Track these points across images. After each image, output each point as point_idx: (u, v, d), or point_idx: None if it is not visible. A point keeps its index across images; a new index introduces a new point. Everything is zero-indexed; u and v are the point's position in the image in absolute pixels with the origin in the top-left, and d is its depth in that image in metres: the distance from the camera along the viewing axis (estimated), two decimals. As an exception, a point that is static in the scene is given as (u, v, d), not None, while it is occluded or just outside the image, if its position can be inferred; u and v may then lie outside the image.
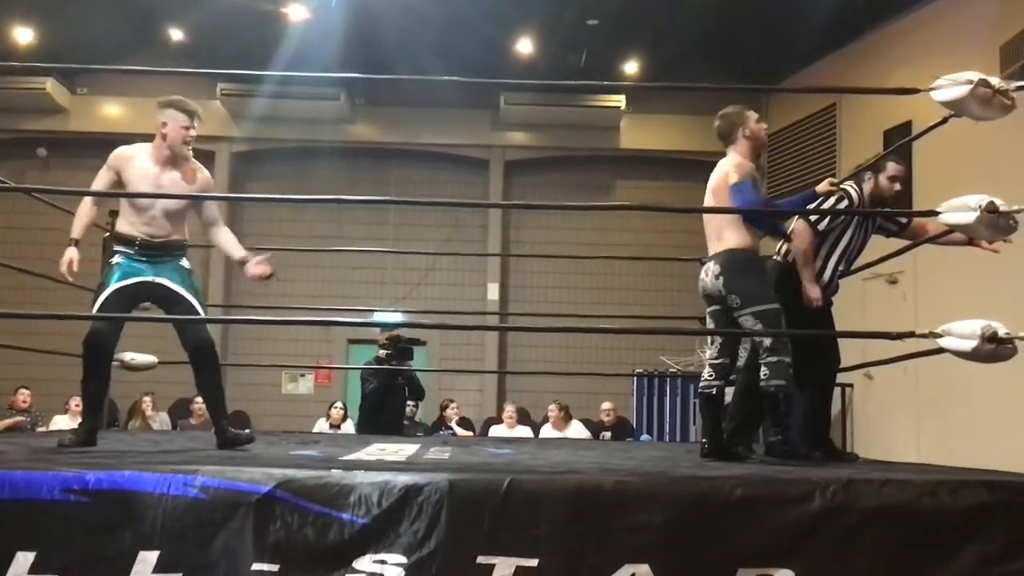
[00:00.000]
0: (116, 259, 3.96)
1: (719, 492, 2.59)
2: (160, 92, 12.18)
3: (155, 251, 3.98)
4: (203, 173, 4.17)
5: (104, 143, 12.38)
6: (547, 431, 9.21)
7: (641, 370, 10.53)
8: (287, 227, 11.20)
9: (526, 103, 11.34)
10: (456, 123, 11.72)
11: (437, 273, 11.80)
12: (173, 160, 3.99)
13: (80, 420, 4.08)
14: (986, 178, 6.14)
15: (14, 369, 9.88)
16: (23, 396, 9.27)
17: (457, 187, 11.95)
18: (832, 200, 4.36)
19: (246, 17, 9.91)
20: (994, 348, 3.05)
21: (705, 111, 11.82)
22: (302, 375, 11.76)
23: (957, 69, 3.33)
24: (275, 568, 2.46)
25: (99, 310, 3.88)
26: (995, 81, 3.26)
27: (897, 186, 4.41)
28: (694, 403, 10.06)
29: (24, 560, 2.43)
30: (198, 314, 4.04)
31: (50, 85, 11.06)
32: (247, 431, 3.92)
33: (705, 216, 4.28)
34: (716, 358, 4.21)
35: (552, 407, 9.22)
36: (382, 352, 7.23)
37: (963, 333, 3.11)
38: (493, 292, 11.61)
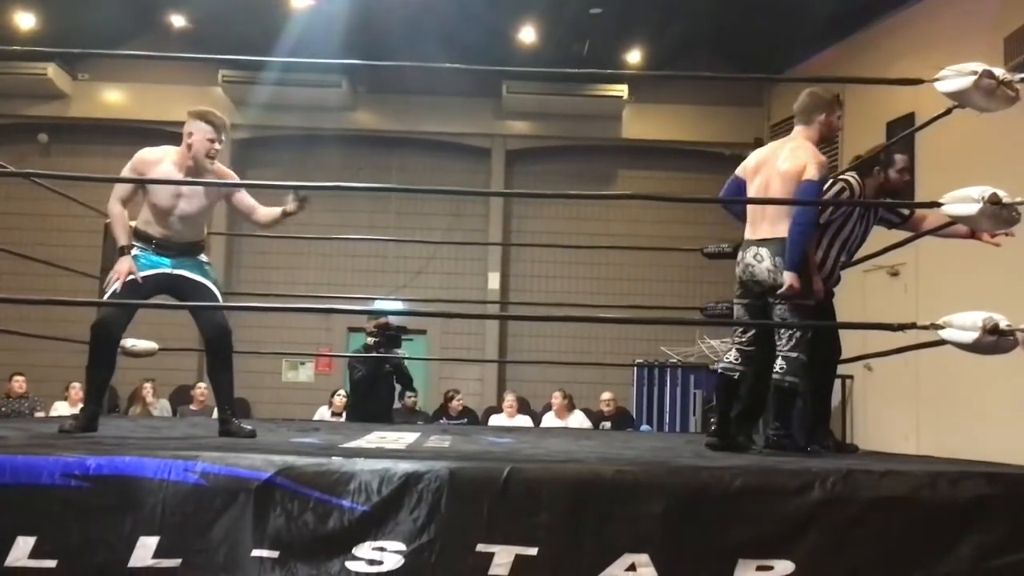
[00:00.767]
0: (134, 252, 3.95)
1: (719, 482, 2.59)
2: (162, 78, 12.16)
3: (173, 249, 3.99)
4: (227, 176, 4.19)
5: (105, 129, 12.43)
6: (549, 419, 9.22)
7: (641, 360, 10.53)
8: (288, 214, 11.20)
9: (528, 92, 11.31)
10: (458, 111, 11.69)
11: (438, 262, 11.80)
12: (196, 170, 3.97)
13: (82, 405, 4.09)
14: (989, 170, 6.13)
15: (13, 355, 9.90)
16: (19, 382, 9.28)
17: (459, 176, 11.93)
18: (835, 190, 4.35)
19: (248, 3, 9.89)
20: (995, 340, 3.04)
21: (707, 101, 11.88)
22: (302, 363, 11.77)
23: (961, 60, 3.32)
24: (275, 554, 2.46)
25: (111, 299, 3.88)
26: (999, 72, 3.25)
27: (907, 177, 4.41)
28: (694, 394, 10.08)
29: (24, 544, 2.43)
30: (217, 301, 4.06)
31: (51, 70, 11.03)
32: (250, 427, 3.92)
33: (762, 196, 4.10)
34: (749, 345, 4.13)
35: (556, 395, 9.23)
36: (370, 340, 7.21)
37: (964, 325, 3.10)
38: (494, 281, 11.61)
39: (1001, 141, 7.02)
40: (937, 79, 3.34)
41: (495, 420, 9.52)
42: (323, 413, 9.48)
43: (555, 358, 11.24)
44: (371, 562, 2.46)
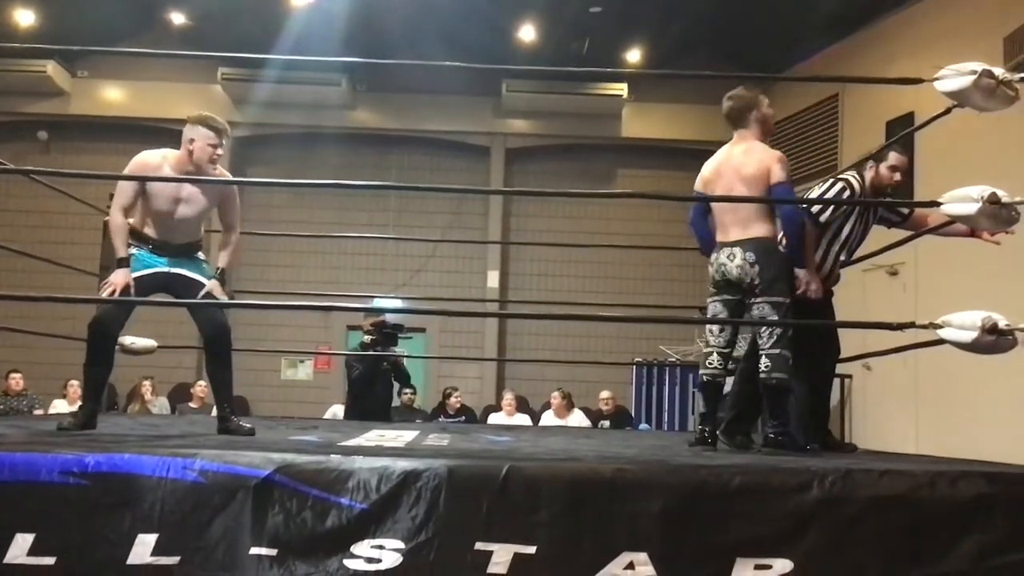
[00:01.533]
0: (131, 251, 3.95)
1: (717, 481, 2.59)
2: (162, 76, 12.14)
3: (170, 250, 3.99)
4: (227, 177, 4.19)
5: (105, 126, 12.42)
6: (548, 418, 9.22)
7: (640, 359, 10.54)
8: (288, 212, 11.20)
9: (528, 90, 11.31)
10: (458, 110, 11.69)
11: (437, 260, 11.80)
12: (197, 176, 3.95)
13: (80, 403, 4.08)
14: (988, 169, 6.13)
15: (12, 352, 9.91)
16: (15, 379, 9.28)
17: (458, 174, 11.94)
18: (836, 189, 4.35)
19: (249, 1, 9.89)
20: (994, 340, 3.05)
21: (707, 100, 11.81)
22: (301, 361, 11.77)
23: (960, 60, 3.31)
24: (273, 552, 2.46)
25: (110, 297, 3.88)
26: (998, 72, 3.24)
27: (897, 176, 4.38)
28: (693, 392, 10.06)
29: (23, 542, 2.43)
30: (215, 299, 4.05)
31: (51, 68, 11.02)
32: (248, 425, 3.92)
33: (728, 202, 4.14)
34: (726, 346, 4.15)
35: (555, 394, 9.24)
36: (367, 338, 7.20)
37: (963, 324, 3.10)
38: (493, 280, 11.61)
39: (1001, 140, 7.02)
40: (936, 79, 3.33)
41: (494, 419, 9.52)
42: (335, 411, 9.40)
43: (554, 357, 11.24)
44: (370, 560, 2.46)
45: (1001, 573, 2.55)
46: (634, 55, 11.24)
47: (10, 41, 10.08)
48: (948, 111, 3.68)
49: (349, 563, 2.45)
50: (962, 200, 3.21)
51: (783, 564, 2.51)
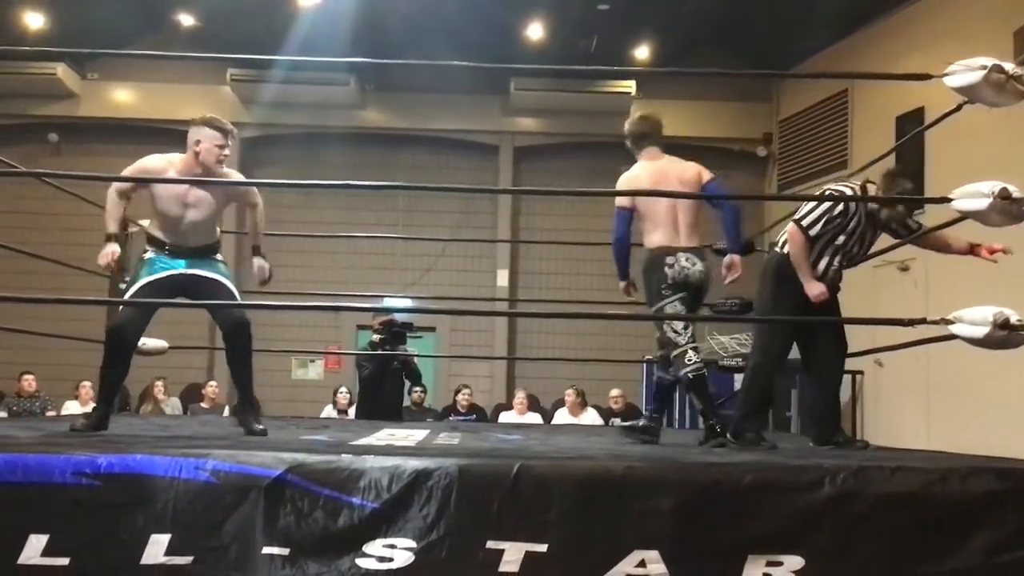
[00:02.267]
0: (148, 255, 3.97)
1: (728, 478, 2.59)
2: (171, 77, 12.17)
3: (185, 253, 4.01)
4: (235, 178, 4.21)
5: (115, 128, 12.44)
6: (562, 416, 9.23)
7: (650, 357, 10.49)
8: (297, 213, 11.20)
9: (536, 89, 11.28)
10: (466, 109, 11.68)
11: (447, 259, 11.79)
12: (205, 177, 3.96)
13: (94, 405, 4.10)
14: (999, 164, 6.10)
15: (23, 354, 9.94)
16: (28, 381, 9.32)
17: (467, 173, 11.93)
18: (825, 206, 4.24)
19: (256, 2, 9.90)
20: (1006, 335, 3.03)
21: (716, 97, 11.86)
22: (311, 360, 11.79)
23: (970, 55, 3.29)
24: (285, 552, 2.47)
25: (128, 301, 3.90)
26: (1009, 67, 3.22)
27: (898, 209, 4.30)
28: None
29: (37, 542, 2.45)
30: (235, 297, 4.08)
31: (60, 70, 11.05)
32: (260, 427, 3.93)
33: (682, 210, 4.33)
34: (695, 341, 4.34)
35: (569, 392, 9.25)
36: (376, 337, 7.20)
37: (975, 320, 3.09)
38: (503, 278, 11.59)
39: (1012, 135, 6.98)
40: (946, 74, 3.31)
41: (504, 417, 9.52)
42: (329, 411, 9.49)
43: (564, 355, 11.23)
44: (381, 559, 2.46)
45: (1012, 569, 2.55)
46: (642, 52, 11.21)
47: (20, 44, 10.11)
48: (959, 108, 3.67)
49: (361, 562, 2.46)
50: (973, 196, 3.20)
51: (795, 561, 2.51)
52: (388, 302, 9.98)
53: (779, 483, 2.59)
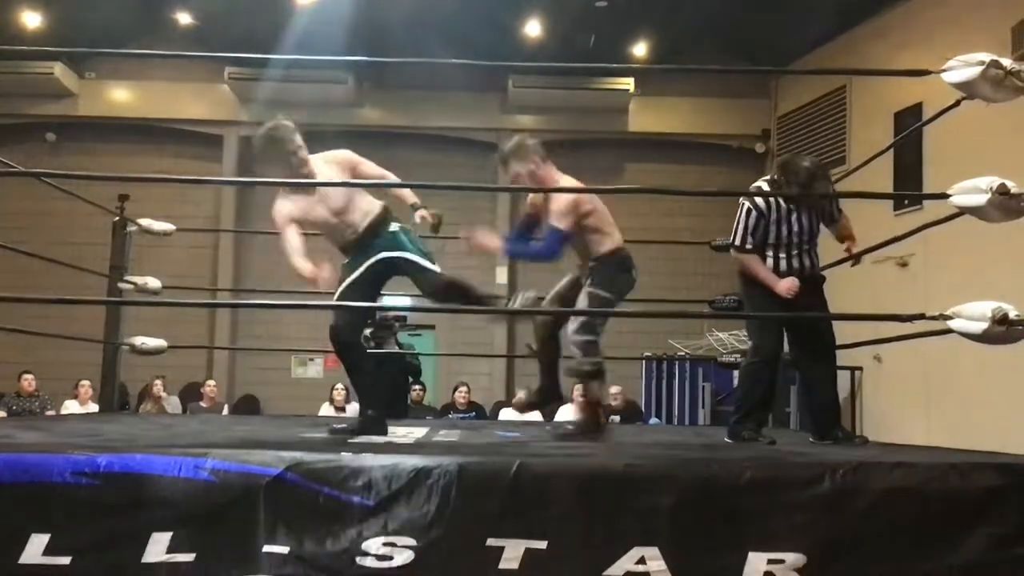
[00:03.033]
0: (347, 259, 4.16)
1: (729, 475, 2.59)
2: (169, 76, 12.14)
3: (364, 244, 4.21)
4: (333, 155, 4.40)
5: (113, 127, 12.41)
6: (566, 413, 9.22)
7: (650, 354, 10.51)
8: (296, 211, 11.20)
9: (534, 86, 11.29)
10: (464, 106, 11.67)
11: (446, 257, 11.70)
12: (306, 176, 4.04)
13: (360, 410, 4.17)
14: (998, 160, 6.10)
15: (22, 353, 9.94)
16: (28, 380, 9.32)
17: (466, 171, 11.91)
18: (742, 214, 4.20)
19: (254, 1, 9.89)
20: (1005, 330, 3.03)
21: (714, 93, 11.84)
22: (311, 359, 11.79)
23: (968, 50, 3.28)
24: (285, 550, 2.47)
25: (345, 298, 4.02)
26: (1007, 62, 3.21)
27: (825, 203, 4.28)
28: (703, 387, 10.06)
29: (39, 542, 2.45)
30: (432, 271, 4.31)
31: (58, 69, 11.05)
32: (382, 440, 3.90)
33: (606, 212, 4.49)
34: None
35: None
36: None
37: (973, 315, 3.09)
38: (502, 276, 11.59)
39: (1010, 131, 6.98)
40: (944, 70, 3.31)
41: (504, 415, 9.52)
42: (326, 410, 9.49)
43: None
44: (381, 557, 2.46)
45: (1013, 564, 2.55)
46: (640, 49, 11.21)
47: (17, 43, 10.11)
48: (958, 103, 3.66)
49: (361, 560, 2.46)
50: (971, 191, 3.19)
51: (796, 558, 2.51)
52: (387, 300, 9.96)
53: (780, 479, 2.59)
